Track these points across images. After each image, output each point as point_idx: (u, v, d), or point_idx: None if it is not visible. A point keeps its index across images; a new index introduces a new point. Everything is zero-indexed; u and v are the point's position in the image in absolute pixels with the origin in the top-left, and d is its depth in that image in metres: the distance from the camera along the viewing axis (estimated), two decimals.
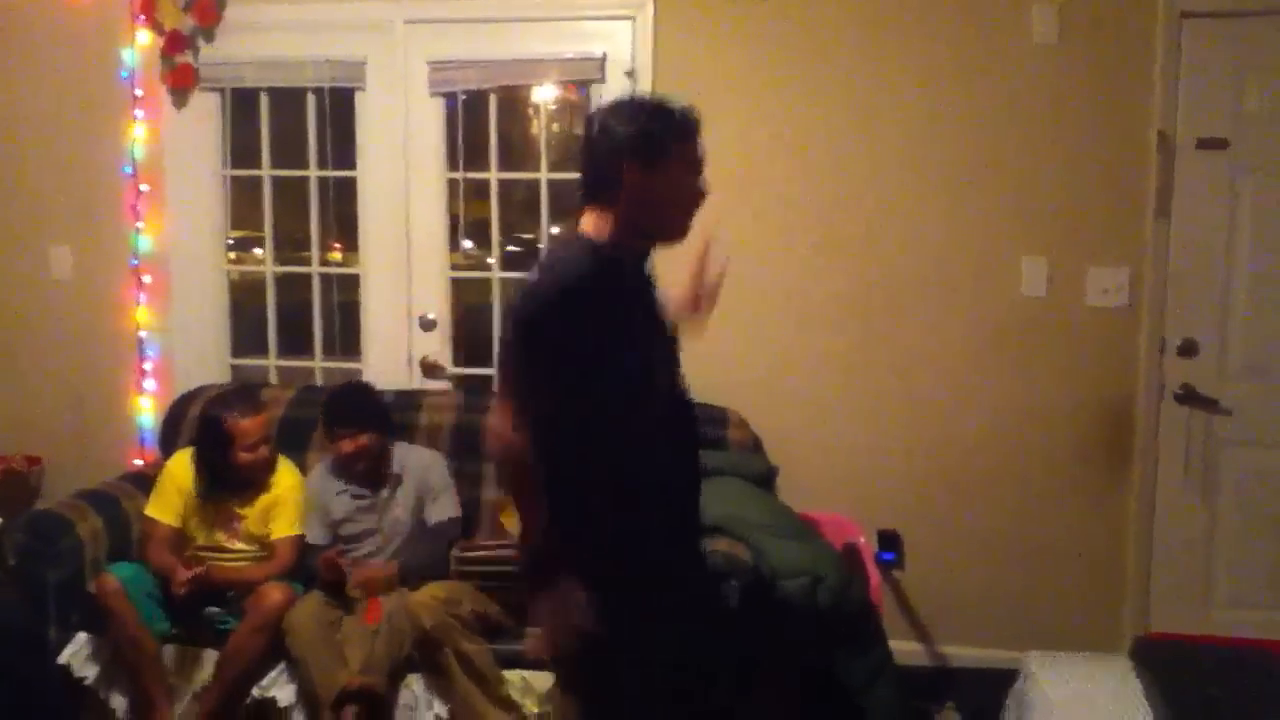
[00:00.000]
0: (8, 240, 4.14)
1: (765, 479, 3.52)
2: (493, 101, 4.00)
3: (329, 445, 3.52)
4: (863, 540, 3.44)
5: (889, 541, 3.61)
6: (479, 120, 4.03)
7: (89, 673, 3.25)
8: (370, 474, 3.49)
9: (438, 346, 4.08)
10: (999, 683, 2.84)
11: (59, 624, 3.25)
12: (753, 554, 2.99)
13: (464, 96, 4.02)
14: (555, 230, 3.96)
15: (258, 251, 4.36)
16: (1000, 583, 3.77)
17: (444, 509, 3.52)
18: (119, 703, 3.27)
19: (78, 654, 3.26)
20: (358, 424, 3.44)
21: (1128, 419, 3.69)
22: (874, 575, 3.33)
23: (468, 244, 4.37)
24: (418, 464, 3.55)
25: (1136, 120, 3.62)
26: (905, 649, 3.67)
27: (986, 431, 3.76)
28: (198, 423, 3.59)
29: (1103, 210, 3.66)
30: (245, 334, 4.30)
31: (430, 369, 4.05)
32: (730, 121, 3.72)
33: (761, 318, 3.78)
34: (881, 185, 3.75)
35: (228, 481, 3.45)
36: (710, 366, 3.50)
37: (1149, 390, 3.68)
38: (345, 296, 4.24)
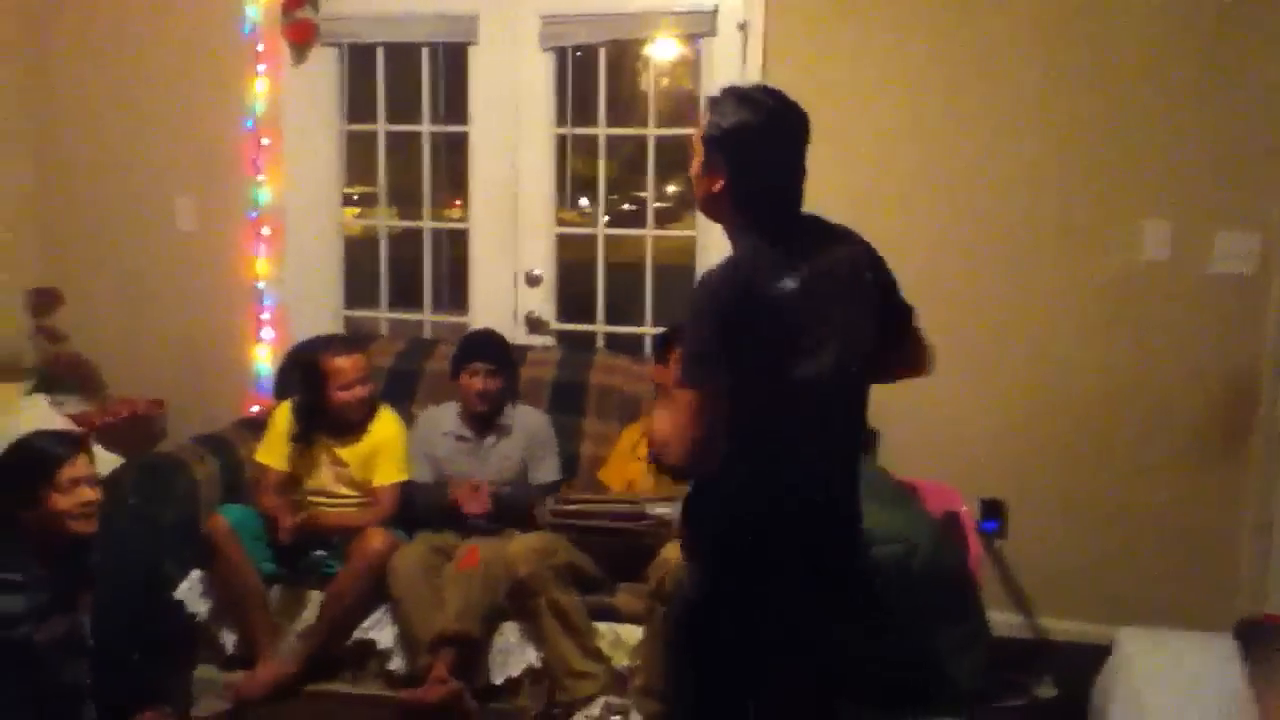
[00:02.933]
0: (136, 192, 4.29)
1: (864, 443, 3.45)
2: (602, 56, 3.98)
3: (456, 382, 3.58)
4: (964, 508, 3.36)
5: (992, 510, 3.52)
6: (588, 75, 4.02)
7: (201, 609, 3.40)
8: (482, 420, 3.55)
9: (542, 302, 4.11)
10: (1101, 658, 2.74)
11: (174, 561, 3.39)
12: None
13: (575, 51, 4.01)
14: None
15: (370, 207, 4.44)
16: (1107, 556, 3.63)
17: (549, 471, 3.58)
18: (228, 638, 3.40)
19: (191, 590, 3.40)
20: (494, 360, 3.52)
21: (1250, 391, 3.50)
22: (974, 544, 3.25)
23: (584, 202, 4.38)
24: (527, 422, 3.60)
25: (1268, 74, 3.41)
26: (1004, 620, 3.59)
27: (1098, 400, 3.61)
28: (297, 366, 3.70)
29: (1233, 171, 3.46)
30: (358, 286, 4.40)
31: (535, 324, 4.08)
32: (844, 78, 3.64)
33: None
34: (997, 144, 3.61)
35: (326, 422, 3.53)
36: None
37: (1275, 361, 3.47)
38: (455, 251, 4.30)
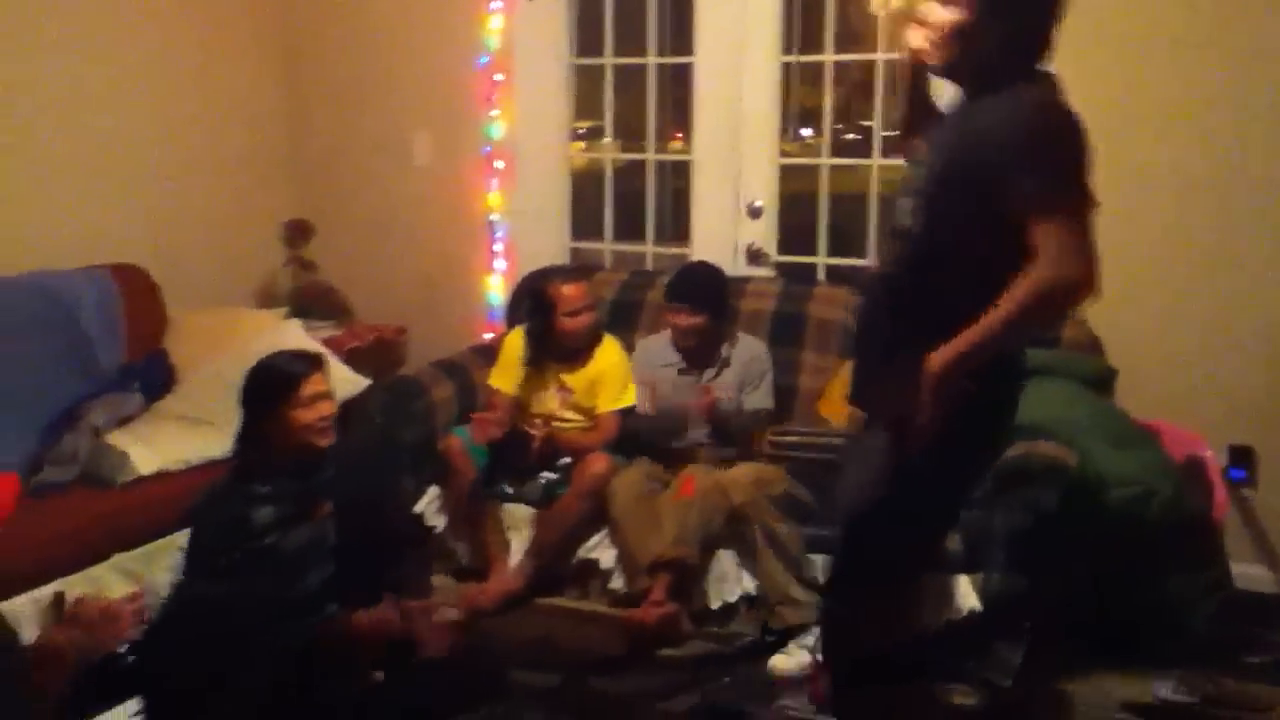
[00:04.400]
0: (377, 128, 4.50)
1: (1101, 381, 3.29)
2: None
3: (665, 315, 3.64)
4: (1209, 454, 3.16)
5: (1241, 457, 3.30)
6: (815, 1, 3.93)
7: (438, 522, 3.60)
8: (698, 352, 3.59)
9: (763, 234, 4.09)
10: None
11: (414, 477, 3.60)
12: (1079, 459, 2.82)
13: None
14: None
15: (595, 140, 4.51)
16: None
17: (760, 399, 3.58)
18: (463, 551, 3.60)
19: (430, 505, 3.61)
20: (691, 303, 3.55)
21: None
22: (1219, 491, 3.07)
23: (805, 132, 4.31)
24: (745, 352, 3.61)
25: None
26: (1251, 574, 3.36)
27: None
28: (526, 294, 3.82)
29: None
30: (584, 219, 4.50)
31: (755, 256, 4.07)
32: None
33: (1111, 207, 3.46)
34: (1249, 71, 3.28)
35: (554, 348, 3.64)
36: None
37: None
38: (677, 184, 4.33)
